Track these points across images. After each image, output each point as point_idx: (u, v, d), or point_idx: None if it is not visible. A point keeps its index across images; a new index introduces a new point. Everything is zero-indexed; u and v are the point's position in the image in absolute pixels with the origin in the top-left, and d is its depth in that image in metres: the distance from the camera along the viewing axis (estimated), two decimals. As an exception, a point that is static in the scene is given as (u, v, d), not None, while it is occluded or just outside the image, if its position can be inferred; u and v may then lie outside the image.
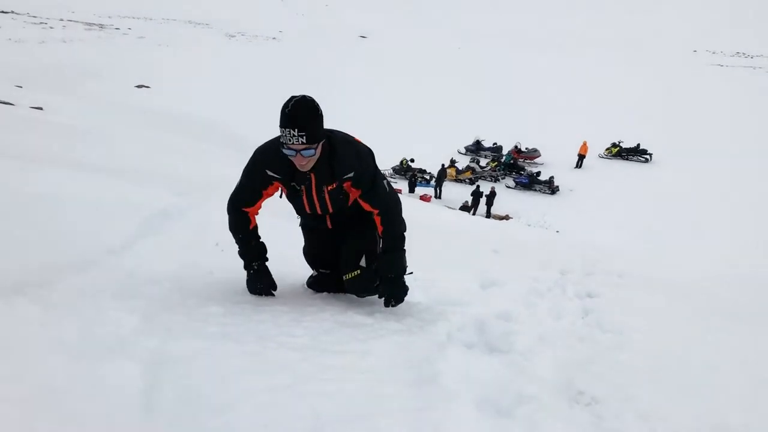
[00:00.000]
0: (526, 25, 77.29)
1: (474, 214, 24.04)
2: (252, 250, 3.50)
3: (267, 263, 3.57)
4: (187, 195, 6.64)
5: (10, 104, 16.65)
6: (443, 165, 28.72)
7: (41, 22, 61.43)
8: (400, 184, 28.45)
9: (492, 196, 25.90)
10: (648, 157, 32.87)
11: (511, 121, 38.56)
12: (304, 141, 2.95)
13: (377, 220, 3.48)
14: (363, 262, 3.56)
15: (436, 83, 48.44)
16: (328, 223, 3.59)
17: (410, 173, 28.76)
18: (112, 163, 8.79)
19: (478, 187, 26.75)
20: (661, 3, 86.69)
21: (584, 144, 32.10)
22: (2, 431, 1.72)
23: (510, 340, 3.27)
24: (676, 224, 22.67)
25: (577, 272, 6.49)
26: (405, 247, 3.56)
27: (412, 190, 27.78)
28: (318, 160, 3.15)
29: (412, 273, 3.61)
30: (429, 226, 10.76)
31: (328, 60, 53.99)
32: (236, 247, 3.52)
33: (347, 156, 3.24)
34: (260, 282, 3.52)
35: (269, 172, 3.24)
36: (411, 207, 15.38)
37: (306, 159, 3.04)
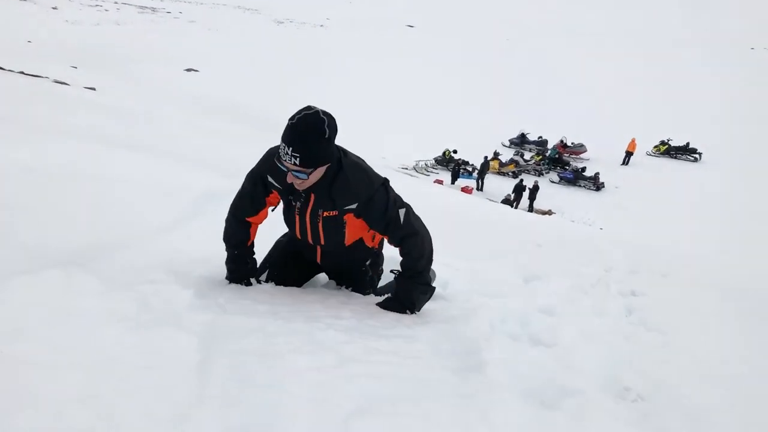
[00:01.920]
0: (577, 18, 75.85)
1: (516, 207, 23.82)
2: (243, 271, 3.27)
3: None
4: (233, 177, 6.73)
5: (66, 84, 17.13)
6: (486, 157, 28.51)
7: (96, 5, 63.05)
8: (443, 175, 28.38)
9: (535, 190, 25.62)
10: (697, 156, 32.04)
11: (558, 115, 38.04)
12: (297, 163, 2.67)
13: (398, 249, 3.14)
14: None
15: (484, 74, 48.06)
16: (318, 256, 3.31)
17: (453, 164, 28.64)
18: (161, 144, 8.99)
19: (521, 180, 26.48)
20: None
21: (633, 141, 31.46)
22: (64, 395, 1.79)
23: (554, 334, 3.25)
24: (723, 226, 22.06)
25: (621, 270, 6.38)
26: (425, 286, 3.23)
27: (454, 181, 27.68)
28: (320, 181, 2.86)
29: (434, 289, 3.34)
30: (470, 217, 10.72)
31: (375, 48, 54.02)
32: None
33: (352, 185, 2.88)
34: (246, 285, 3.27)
35: (270, 179, 2.98)
36: (452, 198, 15.34)
37: (300, 180, 2.79)
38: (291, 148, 2.64)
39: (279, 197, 3.08)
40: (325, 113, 2.71)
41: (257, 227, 3.25)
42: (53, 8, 57.63)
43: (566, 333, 3.31)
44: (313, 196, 2.92)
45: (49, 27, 47.89)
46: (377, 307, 3.22)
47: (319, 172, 2.80)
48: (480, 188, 27.65)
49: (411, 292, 3.21)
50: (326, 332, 2.62)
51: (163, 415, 1.82)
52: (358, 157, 3.05)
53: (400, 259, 3.18)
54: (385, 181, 3.03)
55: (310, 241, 3.14)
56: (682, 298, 5.45)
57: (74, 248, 3.12)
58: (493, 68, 50.41)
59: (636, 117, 38.13)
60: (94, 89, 18.17)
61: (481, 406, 2.12)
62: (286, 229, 3.38)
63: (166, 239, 3.83)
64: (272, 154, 2.93)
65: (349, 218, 3.00)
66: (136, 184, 5.05)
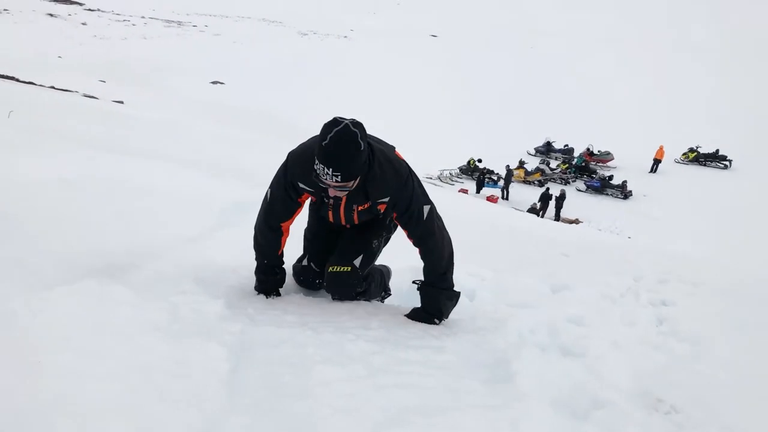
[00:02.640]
0: (603, 25, 75.25)
1: (542, 216, 23.61)
2: (272, 282, 3.31)
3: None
4: (260, 188, 6.80)
5: (95, 98, 17.49)
6: (507, 166, 28.28)
7: (124, 20, 64.18)
8: (467, 184, 28.28)
9: (561, 198, 25.36)
10: (727, 163, 31.43)
11: (584, 123, 37.70)
12: (339, 180, 2.69)
13: (418, 249, 3.15)
14: (357, 262, 3.25)
15: (508, 82, 47.89)
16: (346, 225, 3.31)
17: (477, 173, 28.52)
18: (188, 155, 9.11)
19: (547, 189, 26.26)
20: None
21: (661, 148, 30.99)
22: (98, 403, 1.82)
23: (583, 344, 3.22)
24: (756, 235, 21.61)
25: (650, 279, 6.29)
26: (449, 290, 3.23)
27: (478, 191, 27.57)
28: None
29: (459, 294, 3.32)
30: (496, 226, 10.68)
31: (399, 58, 54.13)
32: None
33: (384, 180, 2.92)
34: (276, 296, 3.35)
35: (301, 185, 2.99)
36: (477, 207, 15.28)
37: (343, 192, 2.85)
38: (331, 169, 2.65)
39: (310, 195, 3.09)
40: (355, 124, 2.69)
41: (288, 233, 3.25)
42: (82, 24, 58.82)
43: (596, 343, 3.28)
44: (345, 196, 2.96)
45: (79, 42, 48.95)
46: (405, 317, 3.23)
47: (359, 179, 2.83)
48: (505, 197, 27.47)
49: (437, 300, 3.21)
50: (355, 343, 2.63)
51: (196, 424, 1.84)
52: (380, 144, 3.05)
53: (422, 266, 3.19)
54: (411, 170, 3.05)
55: (343, 222, 3.18)
56: (714, 308, 5.35)
57: (107, 259, 3.17)
58: (517, 76, 50.20)
59: (664, 124, 37.63)
60: (122, 102, 18.52)
61: (510, 417, 2.11)
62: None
63: (195, 250, 3.87)
64: (299, 162, 2.95)
65: (381, 208, 3.05)
66: (165, 195, 5.12)
